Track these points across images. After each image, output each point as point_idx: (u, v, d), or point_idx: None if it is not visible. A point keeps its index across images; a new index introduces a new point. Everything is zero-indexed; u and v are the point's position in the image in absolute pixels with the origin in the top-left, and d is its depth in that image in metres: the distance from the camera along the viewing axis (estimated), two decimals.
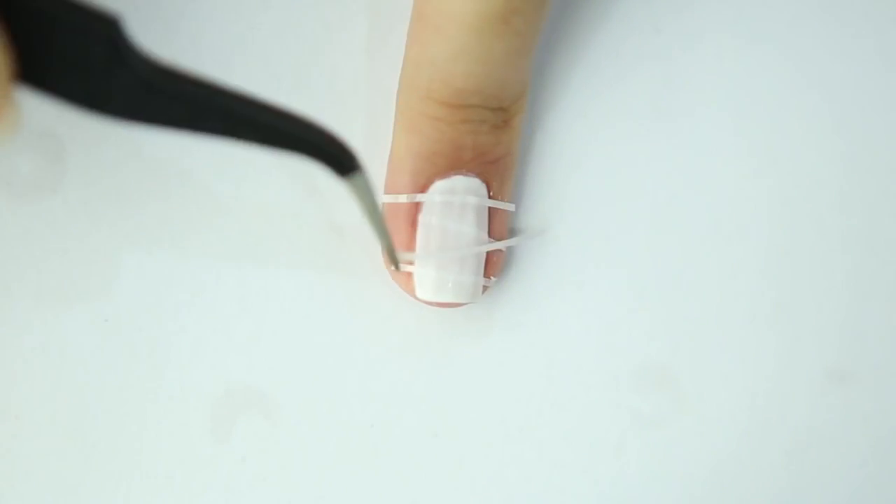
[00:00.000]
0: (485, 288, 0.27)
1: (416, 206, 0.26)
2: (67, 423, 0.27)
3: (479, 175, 0.26)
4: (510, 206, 0.27)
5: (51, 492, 0.27)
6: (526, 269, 0.29)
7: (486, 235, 0.27)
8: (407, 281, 0.27)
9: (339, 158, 0.21)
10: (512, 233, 0.28)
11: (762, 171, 0.29)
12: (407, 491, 0.28)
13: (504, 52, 0.24)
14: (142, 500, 0.27)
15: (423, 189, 0.26)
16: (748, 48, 0.29)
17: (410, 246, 0.26)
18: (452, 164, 0.26)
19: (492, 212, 0.27)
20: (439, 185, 0.26)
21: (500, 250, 0.27)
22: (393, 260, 0.25)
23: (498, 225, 0.27)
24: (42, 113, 0.27)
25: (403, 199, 0.26)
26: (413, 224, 0.26)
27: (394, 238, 0.27)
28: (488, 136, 0.26)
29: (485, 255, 0.27)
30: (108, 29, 0.17)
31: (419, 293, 0.27)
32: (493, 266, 0.27)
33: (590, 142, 0.29)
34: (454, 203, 0.26)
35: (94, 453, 0.27)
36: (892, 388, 0.29)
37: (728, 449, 0.29)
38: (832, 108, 0.29)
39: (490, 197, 0.27)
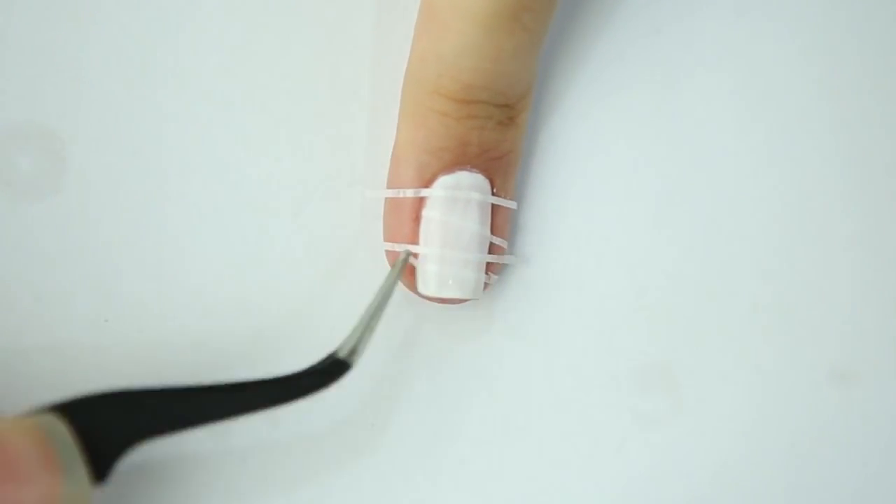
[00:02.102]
0: (486, 285, 0.27)
1: (420, 201, 0.26)
2: None
3: (483, 171, 0.26)
4: (512, 204, 0.27)
5: None
6: (526, 268, 0.29)
7: (488, 232, 0.27)
8: (409, 276, 0.27)
9: (331, 370, 0.25)
10: (514, 231, 0.28)
11: (763, 170, 0.29)
12: (407, 491, 0.28)
13: (513, 48, 0.25)
14: (142, 501, 0.27)
15: (427, 184, 0.26)
16: (749, 48, 0.29)
17: (413, 240, 0.26)
18: (457, 160, 0.26)
19: (494, 209, 0.27)
20: (444, 181, 0.26)
21: (501, 248, 0.27)
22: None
23: (500, 222, 0.27)
24: (42, 113, 0.27)
25: (408, 193, 0.26)
26: (416, 219, 0.26)
27: (397, 233, 0.27)
28: (494, 133, 0.26)
29: (487, 251, 0.27)
30: None
31: (421, 288, 0.27)
32: (495, 264, 0.27)
33: (591, 141, 0.29)
34: (458, 199, 0.26)
35: None
36: (892, 388, 0.29)
37: (728, 449, 0.29)
38: (833, 107, 0.29)
39: (493, 194, 0.27)
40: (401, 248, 0.27)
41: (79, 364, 0.27)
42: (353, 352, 0.25)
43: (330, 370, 0.25)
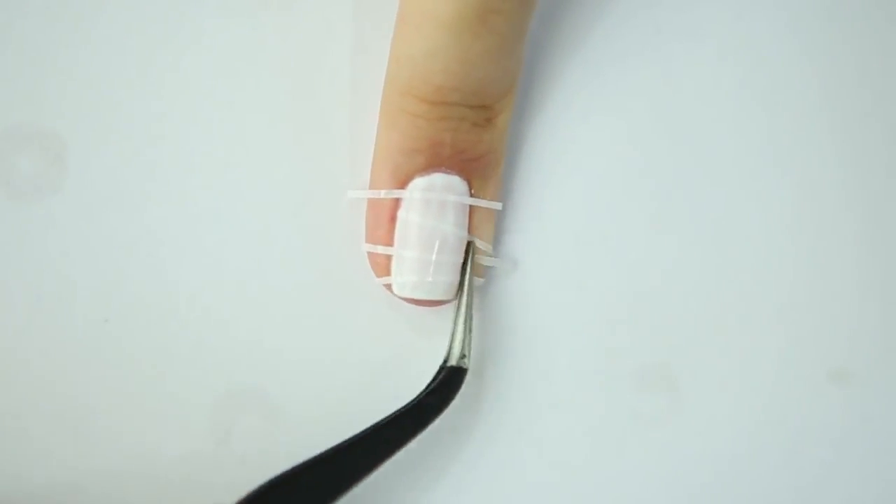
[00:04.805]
0: (466, 285, 0.27)
1: (396, 203, 0.26)
2: (67, 423, 0.27)
3: (459, 173, 0.26)
4: (495, 205, 0.27)
5: (51, 492, 0.27)
6: (525, 269, 0.29)
7: (465, 233, 0.27)
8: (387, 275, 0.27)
9: (452, 379, 0.26)
10: (513, 231, 0.28)
11: (762, 170, 0.29)
12: (407, 491, 0.28)
13: (482, 50, 0.24)
14: (142, 500, 0.27)
15: (402, 185, 0.26)
16: (748, 48, 0.29)
17: (389, 242, 0.26)
18: (430, 161, 0.26)
19: (475, 210, 0.27)
20: (418, 182, 0.26)
21: (484, 250, 0.27)
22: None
23: (481, 224, 0.27)
24: (42, 113, 0.27)
25: (382, 194, 0.26)
26: (392, 220, 0.26)
27: (374, 233, 0.27)
28: (469, 134, 0.26)
29: (463, 253, 0.27)
30: None
31: (396, 290, 0.27)
32: (477, 267, 0.27)
33: (591, 140, 0.29)
34: (433, 200, 0.26)
35: (93, 454, 0.27)
36: (892, 388, 0.29)
37: (728, 449, 0.29)
38: (833, 107, 0.29)
39: (472, 195, 0.27)
40: (382, 250, 0.27)
41: (79, 364, 0.27)
42: (463, 356, 0.26)
43: (451, 380, 0.26)
